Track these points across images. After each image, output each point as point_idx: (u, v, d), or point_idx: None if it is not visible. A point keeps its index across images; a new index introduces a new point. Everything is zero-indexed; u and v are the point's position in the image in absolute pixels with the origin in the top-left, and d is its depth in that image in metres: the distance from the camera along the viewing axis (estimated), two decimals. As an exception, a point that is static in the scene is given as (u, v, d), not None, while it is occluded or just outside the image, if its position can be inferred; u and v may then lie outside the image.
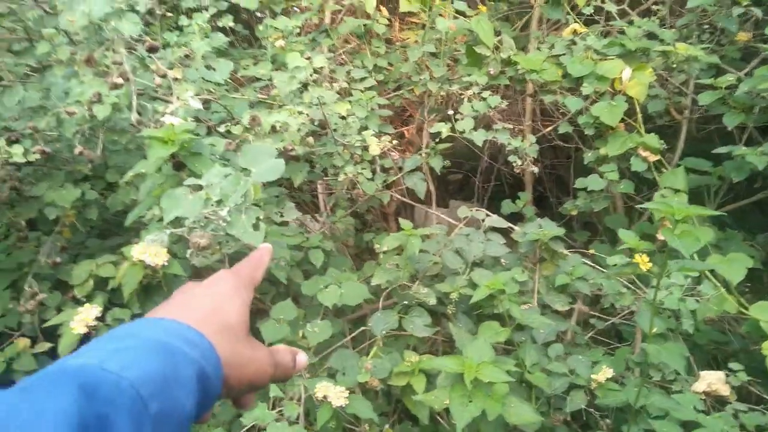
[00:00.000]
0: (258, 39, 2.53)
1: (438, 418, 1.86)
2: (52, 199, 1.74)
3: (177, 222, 1.12)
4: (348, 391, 1.50)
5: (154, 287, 1.61)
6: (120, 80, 1.42)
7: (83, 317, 1.39)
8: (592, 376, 1.63)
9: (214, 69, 1.94)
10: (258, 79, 2.33)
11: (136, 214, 1.61)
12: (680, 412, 1.55)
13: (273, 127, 1.61)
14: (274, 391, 1.53)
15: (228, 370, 0.44)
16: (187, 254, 1.12)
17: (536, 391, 1.71)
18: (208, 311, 0.47)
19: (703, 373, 1.76)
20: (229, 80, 2.17)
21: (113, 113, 1.46)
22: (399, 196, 2.62)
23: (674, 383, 1.80)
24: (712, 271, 1.89)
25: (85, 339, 1.49)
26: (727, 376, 1.74)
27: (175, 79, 1.63)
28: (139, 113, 1.46)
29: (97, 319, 1.43)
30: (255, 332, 2.35)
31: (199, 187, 1.12)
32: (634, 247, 1.44)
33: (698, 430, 1.58)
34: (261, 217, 1.06)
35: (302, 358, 0.55)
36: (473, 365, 1.36)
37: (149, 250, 1.40)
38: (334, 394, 1.47)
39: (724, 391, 1.70)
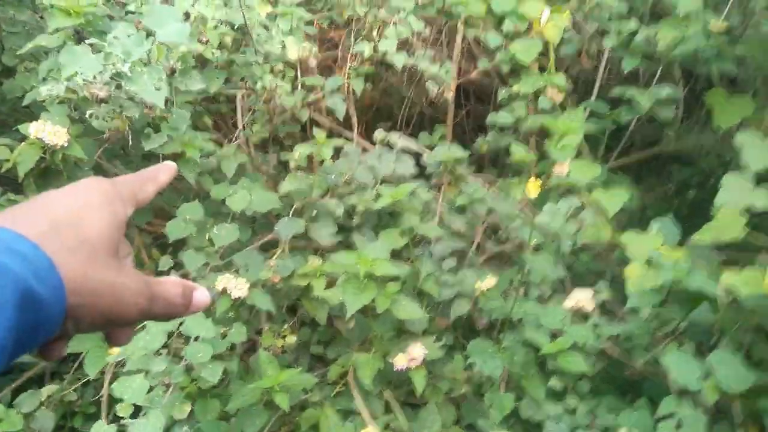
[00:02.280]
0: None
1: (335, 322, 1.98)
2: (-60, 73, 1.62)
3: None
4: (249, 285, 1.56)
5: (53, 172, 1.56)
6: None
7: (-29, 192, 1.34)
8: (477, 284, 1.79)
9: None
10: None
11: (33, 94, 1.54)
12: (547, 318, 1.75)
13: (186, 15, 1.57)
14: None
15: (76, 297, 0.35)
16: (87, 115, 1.11)
17: (427, 299, 1.86)
18: (61, 222, 0.37)
19: (574, 292, 1.98)
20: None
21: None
22: (319, 117, 2.64)
23: (549, 301, 2.01)
24: (594, 203, 2.10)
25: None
26: (594, 295, 1.96)
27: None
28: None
29: (-11, 197, 1.39)
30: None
31: (97, 48, 1.09)
32: (522, 159, 1.57)
33: (561, 338, 1.80)
34: (163, 78, 1.06)
35: (201, 295, 0.44)
36: (368, 260, 1.46)
37: (48, 128, 1.36)
38: (233, 285, 1.53)
39: (590, 306, 1.93)
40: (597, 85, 2.91)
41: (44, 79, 1.60)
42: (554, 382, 1.79)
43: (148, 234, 2.67)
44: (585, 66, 2.79)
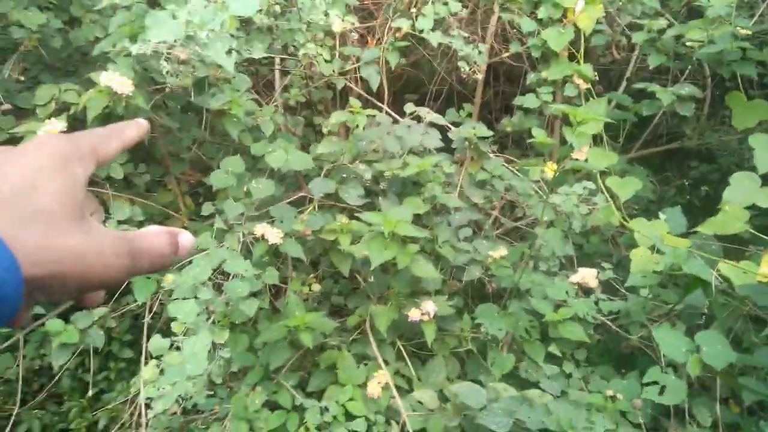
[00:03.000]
0: None
1: (356, 278, 2.15)
2: (18, 19, 1.78)
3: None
4: (283, 234, 1.73)
5: (115, 117, 1.73)
6: None
7: (50, 129, 1.52)
8: (489, 253, 1.93)
9: None
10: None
11: (105, 46, 1.70)
12: (553, 290, 1.89)
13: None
14: (218, 224, 1.74)
15: (38, 269, 0.33)
16: (164, 73, 1.26)
17: (443, 263, 2.01)
18: (10, 192, 0.35)
19: (580, 269, 2.11)
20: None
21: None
22: (352, 86, 2.77)
23: (557, 275, 2.15)
24: (608, 190, 2.22)
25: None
26: (599, 273, 2.10)
27: None
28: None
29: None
30: (207, 191, 2.51)
31: (176, 15, 1.24)
32: (542, 142, 1.70)
33: (564, 308, 1.94)
34: (233, 46, 1.21)
35: (186, 238, 0.42)
36: (392, 221, 1.61)
37: (116, 78, 1.52)
38: (271, 233, 1.70)
39: (593, 283, 2.07)
40: (625, 77, 3.00)
41: (107, 34, 1.76)
42: (554, 348, 1.95)
43: (185, 183, 2.86)
44: (616, 57, 2.87)
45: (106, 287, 0.38)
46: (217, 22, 1.18)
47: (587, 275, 2.09)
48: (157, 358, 1.32)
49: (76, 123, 1.75)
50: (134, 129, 0.46)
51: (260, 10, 1.81)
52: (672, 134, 3.40)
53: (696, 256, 1.74)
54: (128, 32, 1.66)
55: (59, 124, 1.54)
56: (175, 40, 1.18)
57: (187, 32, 1.18)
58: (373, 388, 1.66)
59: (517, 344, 2.02)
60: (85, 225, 0.36)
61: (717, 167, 3.25)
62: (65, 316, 2.18)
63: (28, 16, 1.79)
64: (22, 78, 1.86)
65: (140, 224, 1.92)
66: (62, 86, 1.78)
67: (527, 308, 2.00)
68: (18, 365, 2.14)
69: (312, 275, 2.05)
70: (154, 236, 0.40)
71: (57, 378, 2.36)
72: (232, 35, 1.21)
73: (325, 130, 2.37)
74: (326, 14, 2.31)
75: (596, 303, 2.02)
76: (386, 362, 1.81)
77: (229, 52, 1.19)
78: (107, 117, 1.73)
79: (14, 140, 1.87)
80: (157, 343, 1.33)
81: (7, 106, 1.84)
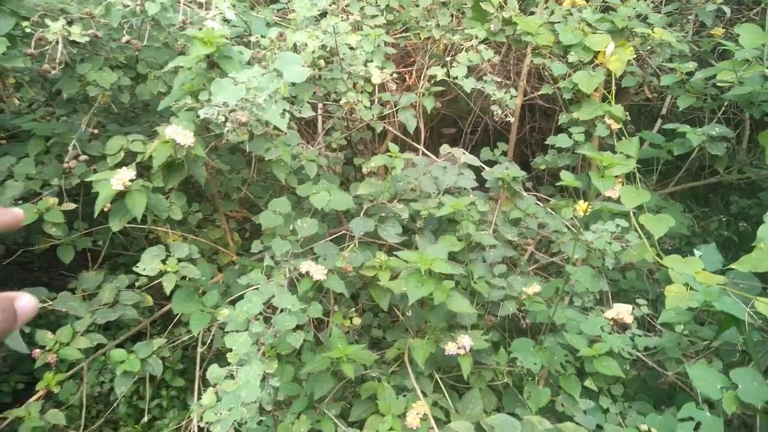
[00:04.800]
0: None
1: (395, 311, 2.25)
2: (94, 79, 2.01)
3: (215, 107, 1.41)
4: (327, 271, 1.85)
5: (175, 165, 1.91)
6: (171, -17, 1.68)
7: (121, 177, 1.70)
8: (523, 289, 2.00)
9: (241, -15, 2.17)
10: (274, 1, 2.57)
11: (168, 102, 1.90)
12: (587, 324, 1.94)
13: (294, 45, 1.89)
14: (267, 261, 1.88)
15: None
16: (224, 131, 1.42)
17: (478, 299, 2.09)
18: None
19: (615, 305, 2.15)
20: (248, -1, 2.42)
21: (161, 11, 1.72)
22: (391, 129, 2.92)
23: (592, 310, 2.20)
24: (641, 227, 2.26)
25: (118, 197, 1.80)
26: (634, 309, 2.13)
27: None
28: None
29: (131, 181, 1.74)
30: (253, 227, 2.68)
31: (238, 81, 1.41)
32: (569, 184, 1.77)
33: (598, 344, 1.98)
34: (287, 109, 1.36)
35: (25, 302, 0.41)
36: (429, 259, 1.71)
37: (179, 131, 1.70)
38: (315, 270, 1.82)
39: (628, 319, 2.10)
40: (660, 115, 3.05)
41: (170, 89, 1.95)
42: (590, 383, 1.98)
43: (233, 220, 3.04)
44: (648, 96, 2.94)
45: None
46: (272, 87, 1.33)
47: (622, 311, 2.13)
48: (214, 385, 1.44)
49: (142, 170, 1.94)
50: (9, 217, 0.47)
51: (305, 66, 1.99)
52: (714, 168, 3.41)
53: (728, 294, 1.77)
54: (189, 89, 1.85)
55: (129, 173, 1.73)
56: (236, 104, 1.34)
57: (247, 96, 1.34)
58: (412, 419, 1.74)
59: (553, 378, 2.06)
60: None
61: (757, 202, 3.23)
62: (122, 346, 2.35)
63: (102, 76, 2.01)
64: (95, 131, 2.08)
65: (194, 261, 2.08)
66: (130, 137, 1.98)
67: (562, 343, 2.05)
68: (81, 391, 2.31)
69: (353, 309, 2.16)
70: None
71: (115, 404, 2.52)
72: (285, 98, 1.37)
73: (365, 170, 2.51)
74: (366, 64, 2.48)
75: (632, 338, 2.05)
76: (424, 394, 1.88)
77: (282, 114, 1.34)
78: (170, 165, 1.91)
79: (86, 185, 2.08)
80: (214, 371, 1.45)
81: (83, 157, 2.05)
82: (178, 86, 1.86)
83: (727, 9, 2.39)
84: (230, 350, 1.47)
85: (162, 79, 2.30)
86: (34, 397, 1.94)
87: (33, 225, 2.16)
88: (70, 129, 2.26)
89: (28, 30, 1.77)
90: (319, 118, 3.11)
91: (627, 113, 2.54)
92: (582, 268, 1.98)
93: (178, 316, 2.29)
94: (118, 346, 2.38)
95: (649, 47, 2.55)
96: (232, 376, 1.43)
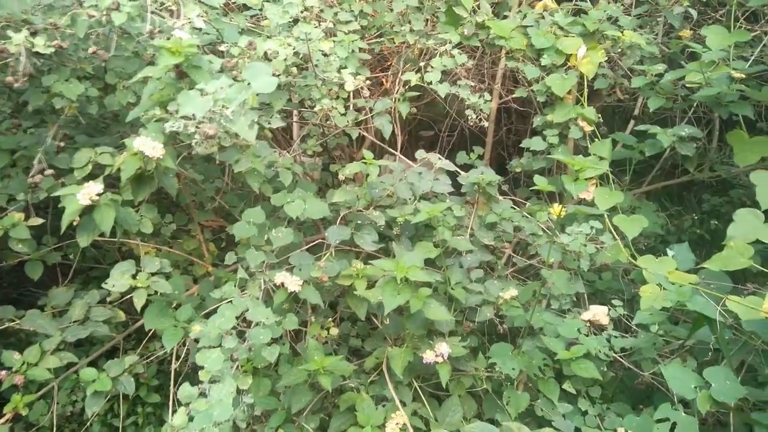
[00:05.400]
0: (250, -32, 2.71)
1: (373, 319, 2.23)
2: (60, 90, 1.96)
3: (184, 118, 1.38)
4: (302, 281, 1.83)
5: (145, 177, 1.87)
6: (136, -8, 1.65)
7: (88, 192, 1.66)
8: (500, 294, 2.00)
9: (211, -8, 2.14)
10: (247, 8, 2.54)
11: (137, 113, 1.86)
12: (564, 327, 1.94)
13: (265, 54, 1.86)
14: (241, 273, 1.85)
15: None
16: (193, 143, 1.39)
17: (455, 305, 2.09)
18: None
19: (592, 307, 2.16)
20: (220, 5, 2.38)
21: (128, 21, 1.68)
22: (368, 136, 2.91)
23: (568, 313, 2.21)
24: (616, 228, 2.28)
25: (85, 211, 1.76)
26: (609, 310, 2.15)
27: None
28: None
29: (98, 195, 1.70)
30: (229, 237, 2.65)
31: (206, 92, 1.38)
32: (543, 188, 1.78)
33: (576, 347, 1.99)
34: (256, 120, 1.34)
35: None
36: (405, 267, 1.70)
37: (148, 143, 1.66)
38: (290, 281, 1.80)
39: (605, 320, 2.11)
40: (632, 116, 3.09)
41: (139, 98, 1.91)
42: (568, 386, 1.99)
43: (208, 230, 3.00)
44: (621, 98, 2.97)
45: None
46: (240, 99, 1.31)
47: (598, 312, 2.14)
48: (186, 404, 1.41)
49: (113, 181, 1.90)
50: None
51: (277, 74, 1.96)
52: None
53: (701, 293, 1.79)
54: (158, 99, 1.81)
55: (96, 187, 1.68)
56: (203, 116, 1.31)
57: (214, 108, 1.31)
58: (392, 430, 1.72)
59: (531, 382, 2.06)
60: None
61: (728, 200, 3.29)
62: (95, 363, 2.29)
63: (69, 87, 1.96)
64: (62, 144, 2.03)
65: (167, 275, 2.04)
66: (98, 149, 1.93)
67: (540, 347, 2.05)
68: (51, 412, 2.24)
69: (330, 318, 2.14)
70: None
71: (88, 424, 2.46)
72: (253, 108, 1.35)
73: (341, 177, 2.49)
74: (339, 70, 2.46)
75: (608, 340, 2.06)
76: (403, 403, 1.87)
77: (251, 125, 1.32)
78: (139, 177, 1.87)
79: (55, 198, 2.02)
80: (185, 390, 1.42)
81: (49, 171, 2.00)
82: (146, 97, 1.82)
83: (693, 12, 2.42)
84: (202, 366, 1.44)
85: (131, 89, 2.25)
86: (2, 420, 1.88)
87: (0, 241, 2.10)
88: (36, 142, 2.20)
89: (-12, 42, 1.71)
90: (295, 125, 3.09)
91: (599, 115, 2.57)
92: (558, 272, 1.99)
93: (152, 331, 2.25)
94: (91, 363, 2.32)
95: (619, 49, 2.57)
96: (204, 395, 1.40)
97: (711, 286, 1.82)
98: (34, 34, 1.78)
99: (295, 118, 3.06)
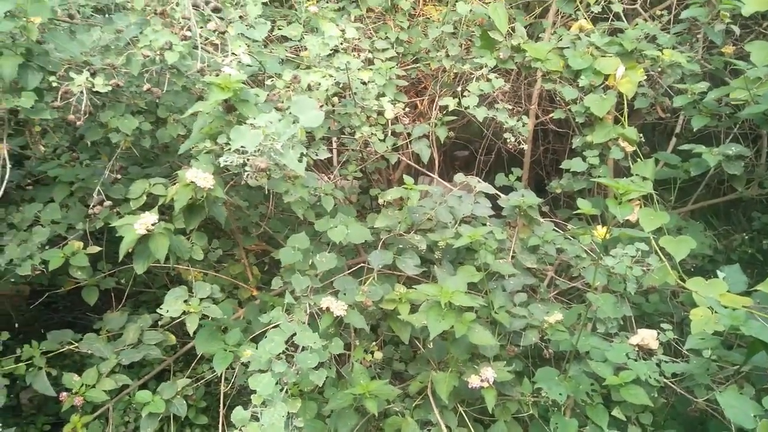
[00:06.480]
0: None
1: (416, 342, 2.24)
2: (117, 126, 2.07)
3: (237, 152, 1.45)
4: (347, 306, 1.86)
5: (196, 207, 1.95)
6: (188, 33, 1.74)
7: (144, 221, 1.74)
8: (545, 318, 1.98)
9: (253, 27, 2.23)
10: (287, 39, 2.64)
11: (188, 145, 1.95)
12: (612, 353, 1.91)
13: (308, 86, 1.93)
14: (288, 298, 1.90)
15: None
16: (244, 176, 1.46)
17: (499, 328, 2.08)
18: None
19: (640, 330, 2.12)
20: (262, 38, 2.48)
21: (180, 59, 1.78)
22: (405, 159, 2.95)
23: (616, 336, 2.16)
24: (662, 249, 2.24)
25: (141, 240, 1.84)
26: (659, 334, 2.10)
27: (224, 33, 1.94)
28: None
29: (153, 225, 1.78)
30: (272, 260, 2.71)
31: (256, 126, 1.45)
32: (586, 212, 1.77)
33: (624, 372, 1.95)
34: (305, 153, 1.39)
35: None
36: (449, 292, 1.72)
37: (200, 174, 1.74)
38: (335, 305, 1.83)
39: (654, 345, 2.06)
40: (674, 134, 3.03)
41: (189, 130, 2.00)
42: (617, 412, 1.94)
43: (252, 254, 3.07)
44: (662, 116, 2.93)
45: None
46: (289, 133, 1.37)
47: (647, 336, 2.09)
48: (239, 428, 1.45)
49: (164, 209, 1.98)
50: None
51: (320, 105, 2.03)
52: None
53: (755, 317, 1.73)
54: (208, 132, 1.90)
55: (152, 217, 1.77)
56: (254, 151, 1.38)
57: (264, 142, 1.37)
58: (437, 455, 1.72)
59: (579, 408, 2.03)
60: None
61: (780, 217, 3.18)
62: (146, 385, 2.36)
63: (125, 122, 2.08)
64: (119, 176, 2.14)
65: (216, 300, 2.11)
66: (151, 181, 2.03)
67: (587, 371, 2.02)
68: (106, 432, 2.32)
69: (373, 342, 2.16)
70: None
71: (141, 444, 2.53)
72: (301, 142, 1.41)
73: (381, 201, 2.53)
74: (378, 98, 2.52)
75: (658, 365, 2.01)
76: (449, 428, 1.86)
77: (300, 158, 1.38)
78: (191, 206, 1.95)
79: (111, 230, 2.13)
80: (239, 414, 1.46)
81: (108, 202, 2.10)
82: (197, 130, 1.91)
83: (736, 28, 2.39)
84: (254, 390, 1.48)
85: (181, 123, 2.36)
86: (62, 441, 1.96)
87: (58, 268, 2.21)
88: (93, 174, 2.32)
89: (54, 84, 1.83)
90: (334, 151, 3.16)
91: (641, 134, 2.54)
92: (603, 295, 1.97)
93: (200, 353, 2.31)
94: (142, 385, 2.40)
95: (659, 68, 2.55)
96: (256, 418, 1.44)
97: (766, 309, 1.76)
98: (93, 74, 1.90)
99: (334, 144, 3.13)
